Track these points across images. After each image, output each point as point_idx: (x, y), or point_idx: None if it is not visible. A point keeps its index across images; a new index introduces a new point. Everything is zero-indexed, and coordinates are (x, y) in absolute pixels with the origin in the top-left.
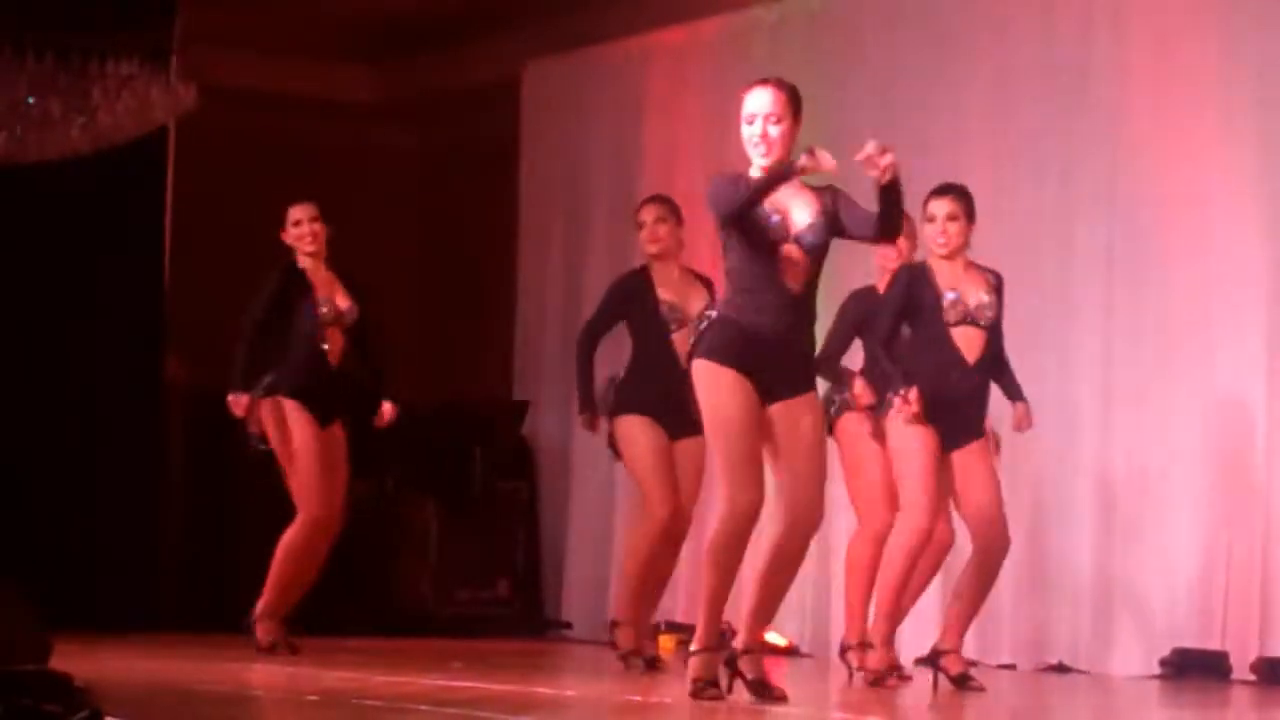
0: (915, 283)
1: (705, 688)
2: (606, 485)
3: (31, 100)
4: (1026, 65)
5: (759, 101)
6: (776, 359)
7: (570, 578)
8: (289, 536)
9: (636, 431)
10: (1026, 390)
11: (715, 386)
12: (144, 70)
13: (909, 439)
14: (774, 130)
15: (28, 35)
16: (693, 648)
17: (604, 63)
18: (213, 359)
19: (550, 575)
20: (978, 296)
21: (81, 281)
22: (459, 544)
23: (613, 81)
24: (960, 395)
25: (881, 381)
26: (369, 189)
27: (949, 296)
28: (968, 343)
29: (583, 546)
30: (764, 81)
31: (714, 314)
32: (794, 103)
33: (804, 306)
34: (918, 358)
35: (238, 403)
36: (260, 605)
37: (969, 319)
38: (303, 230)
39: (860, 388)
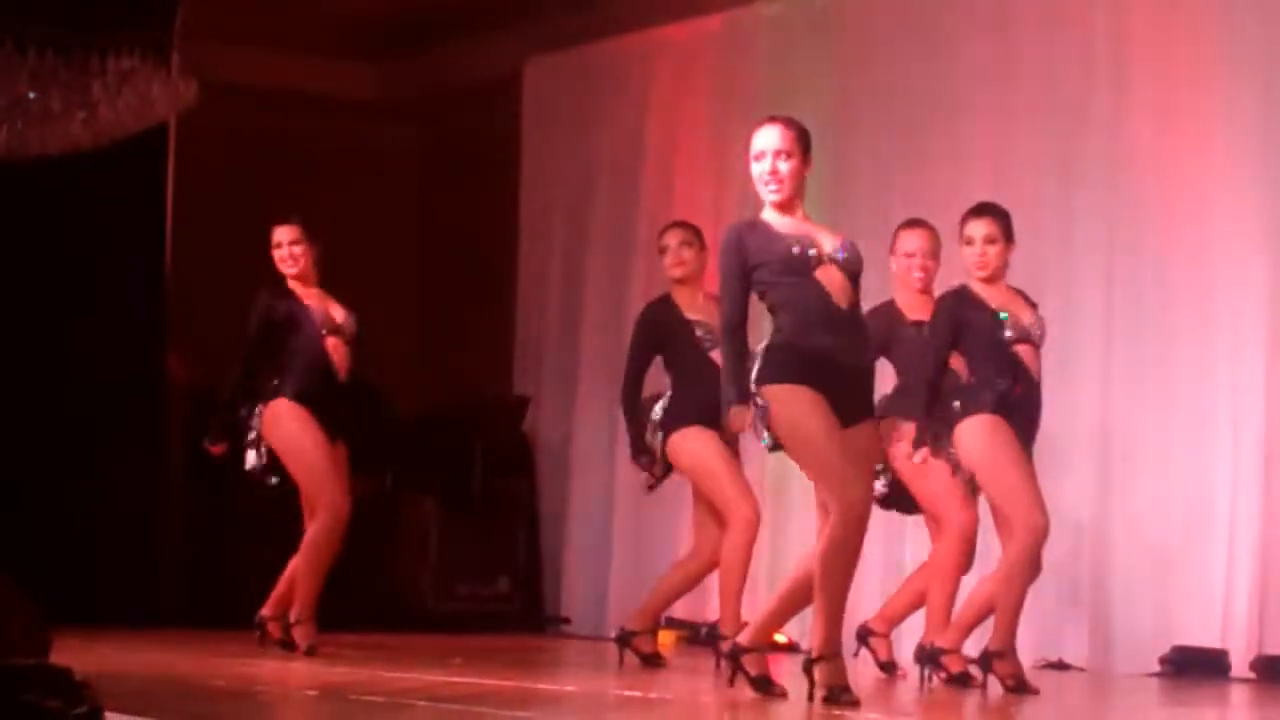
0: (961, 305)
1: (841, 693)
2: (606, 481)
3: (32, 95)
4: (1027, 64)
5: (768, 138)
6: (838, 380)
7: (570, 574)
8: (314, 535)
9: (695, 442)
10: None
11: (788, 404)
12: (145, 65)
13: (986, 444)
14: (784, 166)
15: (28, 30)
16: (816, 655)
17: (606, 59)
18: (213, 356)
19: (550, 571)
20: (1028, 315)
21: (82, 278)
22: (459, 540)
23: (615, 78)
24: (1025, 405)
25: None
26: (370, 185)
27: (1002, 316)
28: (1027, 360)
29: (583, 543)
30: (773, 119)
31: (763, 345)
32: (803, 140)
33: (856, 325)
34: (979, 371)
35: (216, 449)
36: (294, 611)
37: (1026, 337)
38: (283, 253)
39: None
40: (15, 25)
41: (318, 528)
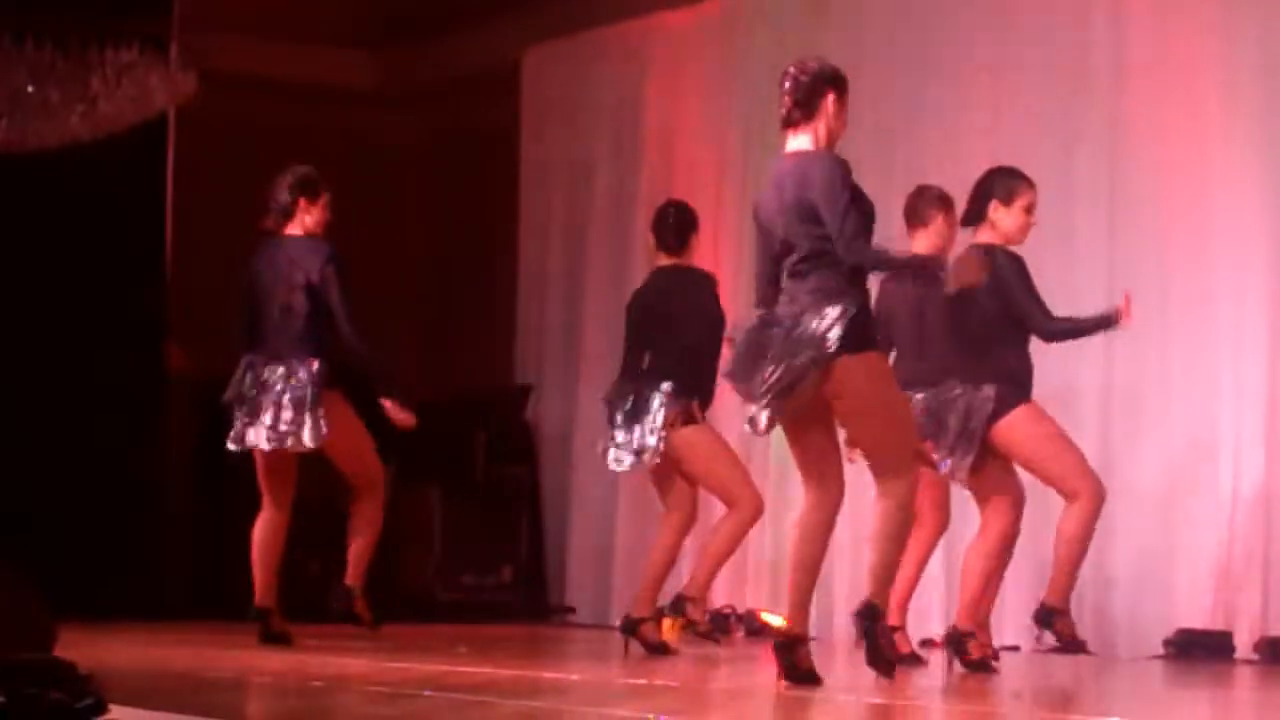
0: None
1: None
2: (608, 470)
3: (31, 88)
4: (1026, 52)
5: None
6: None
7: (573, 562)
8: (375, 514)
9: (700, 436)
10: None
11: (883, 374)
12: (143, 57)
13: (1039, 429)
14: None
15: (27, 23)
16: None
17: (605, 47)
18: (215, 347)
19: (553, 560)
20: None
21: (82, 269)
22: (462, 530)
23: (613, 65)
24: None
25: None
26: (370, 175)
27: None
28: None
29: (586, 531)
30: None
31: (841, 308)
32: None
33: None
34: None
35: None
36: (356, 578)
37: None
38: (328, 209)
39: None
40: (14, 18)
41: (373, 508)
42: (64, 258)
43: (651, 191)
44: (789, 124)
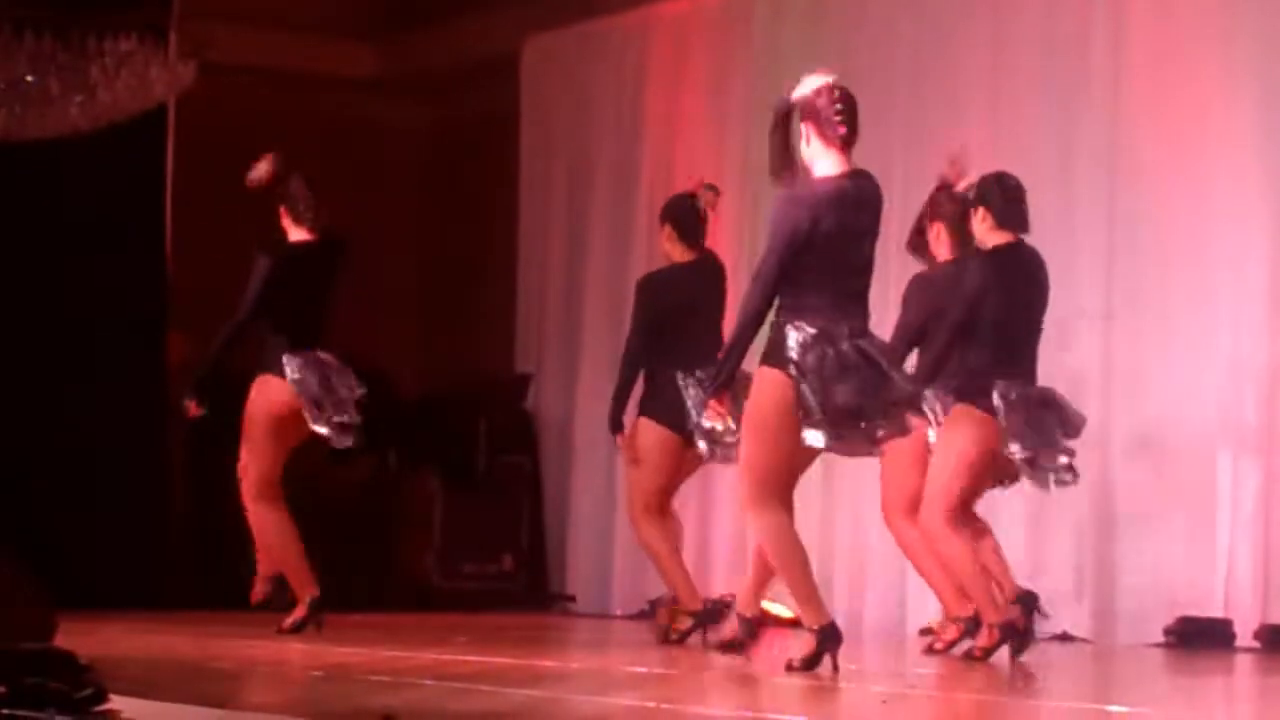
0: None
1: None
2: (609, 459)
3: (30, 78)
4: (1026, 41)
5: None
6: None
7: (574, 551)
8: None
9: None
10: None
11: None
12: (143, 47)
13: None
14: None
15: (27, 13)
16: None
17: (604, 37)
18: (214, 335)
19: (554, 549)
20: None
21: (82, 261)
22: (463, 518)
23: (613, 55)
24: None
25: None
26: (370, 164)
27: None
28: None
29: (586, 520)
30: None
31: None
32: None
33: None
34: None
35: None
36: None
37: None
38: None
39: None
40: (13, 8)
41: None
42: (63, 249)
43: (652, 182)
44: (851, 142)
